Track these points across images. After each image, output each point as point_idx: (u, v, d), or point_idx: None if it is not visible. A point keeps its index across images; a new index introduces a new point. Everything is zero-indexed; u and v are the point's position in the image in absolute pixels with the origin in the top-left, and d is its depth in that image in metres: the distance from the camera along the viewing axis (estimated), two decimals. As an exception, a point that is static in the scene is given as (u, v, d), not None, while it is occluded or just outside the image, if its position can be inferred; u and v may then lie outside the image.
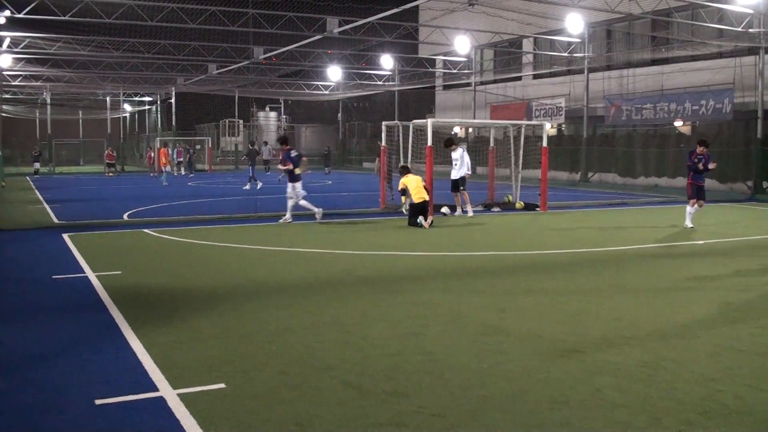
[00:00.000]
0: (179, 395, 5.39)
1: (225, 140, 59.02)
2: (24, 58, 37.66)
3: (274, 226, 16.47)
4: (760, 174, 25.90)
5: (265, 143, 47.25)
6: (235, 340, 6.93)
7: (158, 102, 62.22)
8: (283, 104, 60.90)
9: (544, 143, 20.64)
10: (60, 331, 7.44)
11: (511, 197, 21.27)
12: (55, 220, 17.71)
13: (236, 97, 53.06)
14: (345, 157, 56.09)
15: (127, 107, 64.17)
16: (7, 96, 54.28)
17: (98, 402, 5.29)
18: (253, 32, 30.57)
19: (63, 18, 24.51)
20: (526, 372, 5.93)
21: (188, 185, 33.28)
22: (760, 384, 5.66)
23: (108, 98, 57.37)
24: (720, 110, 28.16)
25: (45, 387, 5.65)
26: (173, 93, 52.74)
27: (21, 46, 32.79)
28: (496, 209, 20.23)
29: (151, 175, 42.51)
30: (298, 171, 16.83)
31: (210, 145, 51.87)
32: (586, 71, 33.59)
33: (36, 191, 29.17)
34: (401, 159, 20.46)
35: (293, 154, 17.04)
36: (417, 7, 33.62)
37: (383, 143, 20.96)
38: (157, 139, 47.20)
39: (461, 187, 18.78)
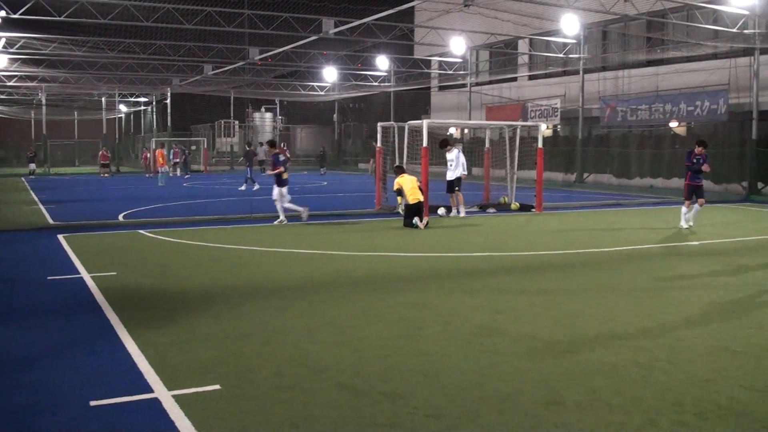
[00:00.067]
0: (174, 397, 5.38)
1: (220, 141, 58.96)
2: (19, 59, 37.56)
3: (270, 227, 16.47)
4: (755, 175, 25.96)
5: (261, 144, 47.21)
6: (230, 341, 6.92)
7: (154, 103, 62.13)
8: (278, 105, 60.83)
9: (540, 144, 20.65)
10: (55, 332, 7.43)
11: (506, 198, 21.30)
12: (50, 221, 17.67)
13: (232, 97, 53.00)
14: (341, 158, 56.09)
15: (123, 108, 64.03)
16: (2, 96, 54.18)
17: (93, 403, 5.28)
18: (248, 33, 30.55)
19: (58, 18, 24.47)
20: (521, 373, 5.94)
21: (184, 186, 33.25)
22: (755, 384, 5.67)
23: (103, 99, 57.23)
24: (715, 111, 28.23)
25: (39, 388, 5.64)
26: (169, 94, 52.65)
27: (16, 46, 32.72)
28: (491, 210, 20.24)
29: (147, 175, 42.45)
30: (285, 176, 16.89)
31: (205, 146, 51.73)
32: (581, 72, 33.63)
33: (31, 192, 29.11)
34: (396, 160, 20.45)
35: (282, 158, 17.13)
36: (413, 8, 33.59)
37: (378, 144, 20.97)
38: (153, 139, 47.17)
39: (456, 188, 18.79)
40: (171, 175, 42.98)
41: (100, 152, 45.44)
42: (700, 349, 6.61)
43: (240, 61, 37.67)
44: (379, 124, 21.48)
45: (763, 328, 7.38)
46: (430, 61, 44.53)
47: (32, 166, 44.48)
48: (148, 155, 44.29)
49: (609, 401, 5.29)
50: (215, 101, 58.48)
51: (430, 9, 36.15)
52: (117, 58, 37.11)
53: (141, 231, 15.52)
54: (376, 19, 27.95)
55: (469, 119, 40.14)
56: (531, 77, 40.14)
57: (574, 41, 33.41)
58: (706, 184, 16.64)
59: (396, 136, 21.11)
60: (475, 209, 20.19)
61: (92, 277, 10.15)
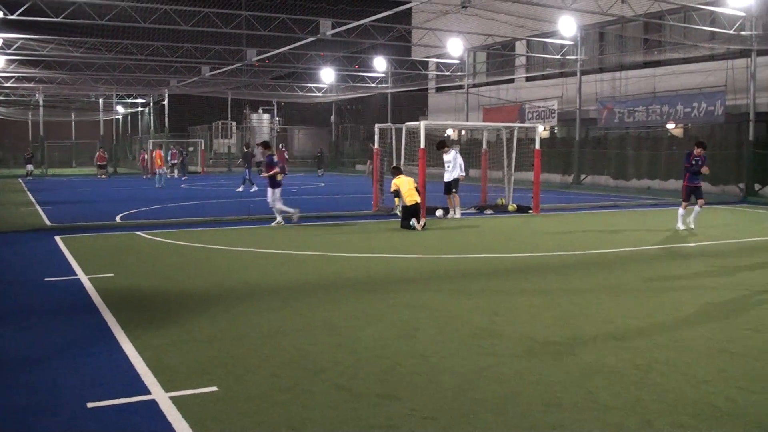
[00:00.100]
0: (171, 398, 5.38)
1: (218, 142, 58.92)
2: (16, 60, 37.53)
3: (267, 228, 16.46)
4: (752, 176, 26.00)
5: (258, 145, 47.17)
6: (227, 342, 6.92)
7: (151, 104, 62.05)
8: (276, 106, 60.78)
9: (537, 146, 20.68)
10: (52, 333, 7.42)
11: (503, 200, 21.30)
12: (48, 223, 17.65)
13: (229, 99, 52.97)
14: (338, 159, 56.08)
15: (120, 109, 63.99)
16: (-1, 98, 54.18)
17: (90, 405, 5.28)
18: (246, 34, 30.57)
19: (56, 19, 24.44)
20: (518, 374, 5.94)
21: (181, 187, 33.23)
22: (752, 386, 5.68)
23: (101, 100, 57.16)
24: (712, 112, 28.27)
25: (37, 390, 5.63)
26: (166, 95, 52.59)
27: (14, 47, 32.67)
28: (488, 212, 20.25)
29: (144, 177, 42.41)
30: (279, 177, 16.88)
31: (203, 147, 51.63)
32: (578, 74, 33.67)
33: (28, 193, 29.08)
34: (394, 161, 20.46)
35: (276, 159, 17.15)
36: (410, 9, 33.63)
37: (376, 146, 20.97)
38: (150, 141, 47.12)
39: (453, 190, 18.81)
40: (168, 176, 42.96)
41: (98, 153, 45.37)
42: (698, 351, 6.62)
43: (237, 63, 37.65)
44: (376, 125, 21.48)
45: (760, 330, 7.40)
46: (427, 62, 44.53)
47: (29, 167, 44.39)
48: (146, 156, 44.24)
49: (606, 403, 5.30)
50: (213, 102, 58.46)
51: (428, 10, 36.14)
52: (114, 59, 37.07)
53: (138, 232, 15.50)
54: (373, 21, 27.95)
55: (467, 121, 40.10)
56: (528, 79, 40.17)
57: (571, 43, 33.46)
58: (704, 185, 16.66)
59: (393, 137, 21.11)
60: (472, 211, 20.20)
61: (89, 279, 10.13)
